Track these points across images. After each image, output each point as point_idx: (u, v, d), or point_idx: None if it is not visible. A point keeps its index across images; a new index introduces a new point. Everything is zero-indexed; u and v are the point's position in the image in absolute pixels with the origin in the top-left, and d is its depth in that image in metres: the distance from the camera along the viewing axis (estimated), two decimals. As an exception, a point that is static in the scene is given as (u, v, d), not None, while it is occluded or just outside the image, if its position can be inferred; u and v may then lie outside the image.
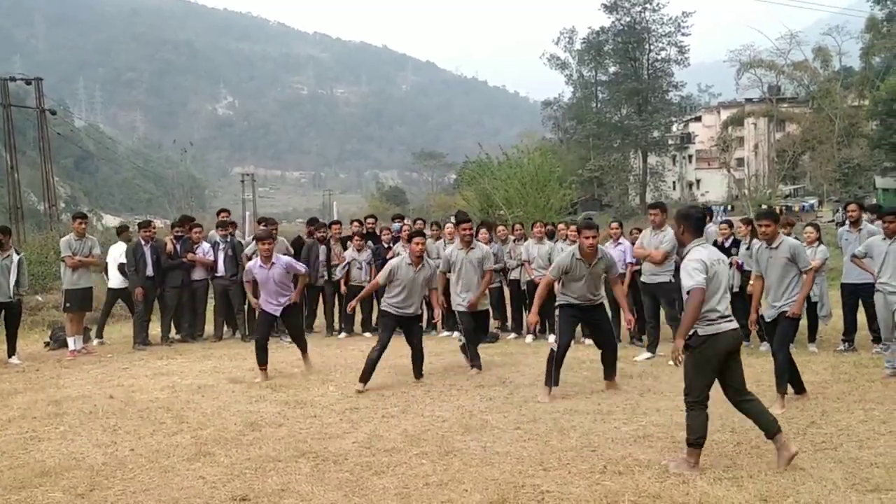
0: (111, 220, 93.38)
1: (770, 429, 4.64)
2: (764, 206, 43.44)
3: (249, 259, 10.52)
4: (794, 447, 4.64)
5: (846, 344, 8.83)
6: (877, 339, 8.63)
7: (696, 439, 4.63)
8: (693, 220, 4.90)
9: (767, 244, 6.37)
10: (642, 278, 8.81)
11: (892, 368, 7.21)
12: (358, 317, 11.55)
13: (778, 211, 43.46)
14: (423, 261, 7.69)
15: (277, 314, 8.21)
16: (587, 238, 6.83)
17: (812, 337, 9.13)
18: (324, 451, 5.28)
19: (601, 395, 6.84)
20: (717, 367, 4.67)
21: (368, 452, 5.21)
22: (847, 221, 9.06)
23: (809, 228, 9.06)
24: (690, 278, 4.61)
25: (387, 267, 7.78)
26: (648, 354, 8.59)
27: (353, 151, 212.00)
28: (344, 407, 6.60)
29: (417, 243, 7.68)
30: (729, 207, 52.32)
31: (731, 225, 9.92)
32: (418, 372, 7.78)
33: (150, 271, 10.46)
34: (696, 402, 4.66)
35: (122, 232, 12.04)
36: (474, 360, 8.03)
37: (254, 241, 10.53)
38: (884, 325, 7.39)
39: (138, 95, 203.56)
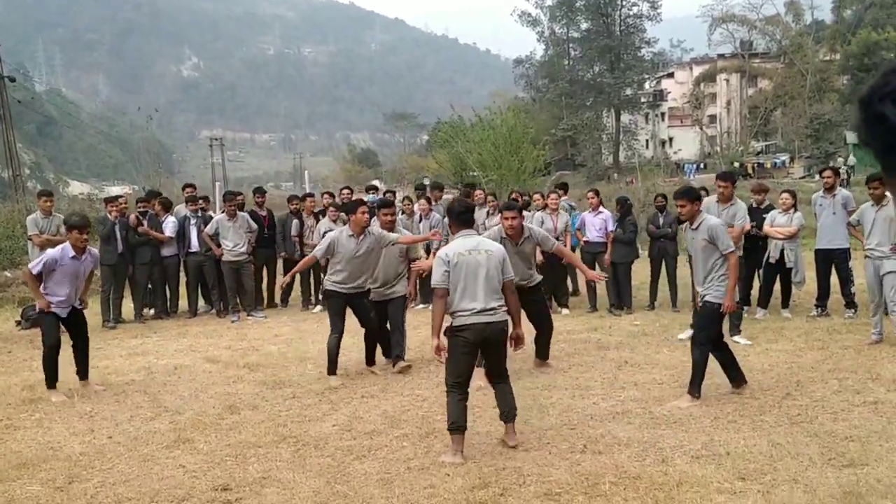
0: (78, 187, 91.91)
1: (509, 416, 4.88)
2: (736, 164, 43.93)
3: (211, 237, 10.41)
4: (514, 440, 4.83)
5: (819, 309, 8.94)
6: (849, 304, 8.75)
7: (452, 424, 4.69)
8: (454, 214, 5.11)
9: (689, 224, 5.98)
10: None
11: (877, 335, 7.26)
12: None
13: (749, 168, 44.01)
14: (366, 231, 6.84)
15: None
16: (506, 219, 6.48)
17: (786, 303, 9.21)
18: (304, 435, 5.26)
19: (579, 368, 6.89)
20: (469, 355, 4.80)
21: (349, 436, 5.21)
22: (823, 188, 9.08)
23: (785, 195, 9.00)
24: (433, 275, 4.84)
25: (325, 239, 7.09)
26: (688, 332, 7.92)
27: (322, 113, 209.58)
28: (322, 387, 6.59)
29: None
30: (702, 165, 52.70)
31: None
32: (386, 352, 7.27)
33: (120, 247, 10.26)
34: (450, 387, 4.78)
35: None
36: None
37: (217, 221, 10.39)
38: (870, 291, 7.43)
39: (100, 58, 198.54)
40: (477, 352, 4.90)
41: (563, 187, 12.12)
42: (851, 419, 5.08)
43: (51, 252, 6.65)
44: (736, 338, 7.52)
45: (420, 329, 8.41)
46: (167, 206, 11.16)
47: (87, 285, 6.95)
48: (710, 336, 5.74)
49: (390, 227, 7.19)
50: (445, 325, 4.84)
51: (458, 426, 4.69)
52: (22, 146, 50.61)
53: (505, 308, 4.87)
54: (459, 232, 5.05)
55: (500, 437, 4.97)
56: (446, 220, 10.38)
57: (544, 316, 6.98)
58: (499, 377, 4.99)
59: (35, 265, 6.63)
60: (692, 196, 5.94)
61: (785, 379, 6.20)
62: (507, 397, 4.92)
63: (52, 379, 6.60)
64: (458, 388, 4.77)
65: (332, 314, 6.94)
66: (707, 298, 5.75)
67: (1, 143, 29.20)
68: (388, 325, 7.28)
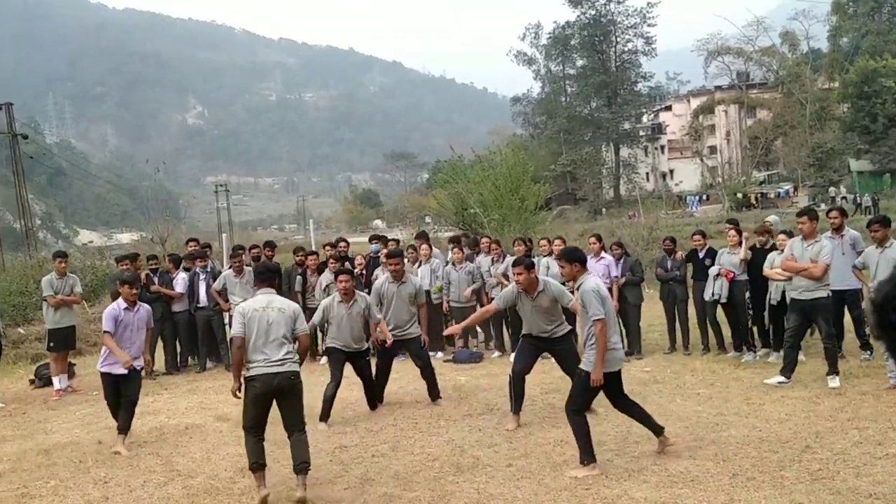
0: (87, 236, 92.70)
1: (300, 468, 5.29)
2: (739, 195, 43.93)
3: (219, 293, 10.47)
4: (303, 492, 5.18)
5: (833, 351, 8.80)
6: (864, 346, 8.53)
7: (253, 464, 5.25)
8: (257, 273, 5.84)
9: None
10: (793, 294, 7.70)
11: (895, 379, 7.11)
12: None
13: (753, 199, 43.84)
14: (355, 295, 7.53)
15: None
16: (516, 275, 6.55)
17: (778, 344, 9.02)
18: (317, 499, 5.23)
19: (591, 420, 6.80)
20: (260, 403, 5.35)
21: (361, 501, 5.17)
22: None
23: (782, 236, 8.79)
24: (233, 327, 5.56)
25: (319, 308, 7.76)
26: (782, 378, 7.64)
27: (324, 155, 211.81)
28: (333, 445, 6.55)
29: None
30: (704, 196, 52.76)
31: (703, 235, 9.91)
32: (378, 397, 7.88)
33: None
34: (247, 430, 5.37)
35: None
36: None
37: (225, 277, 10.45)
38: None
39: (108, 109, 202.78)
40: (268, 400, 5.37)
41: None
42: (874, 474, 4.94)
43: (109, 310, 7.06)
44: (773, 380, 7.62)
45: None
46: (177, 263, 11.26)
47: (147, 341, 7.34)
48: (582, 405, 5.60)
49: (399, 275, 7.90)
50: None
51: (258, 465, 5.25)
52: (33, 197, 51.36)
53: (295, 358, 5.40)
54: (260, 289, 5.65)
55: (513, 498, 4.92)
56: (446, 266, 10.62)
57: (572, 367, 6.63)
58: (294, 427, 5.41)
59: (106, 323, 6.93)
60: (571, 258, 5.76)
61: (803, 430, 6.04)
62: (301, 449, 5.35)
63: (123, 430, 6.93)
64: (252, 431, 5.35)
65: (332, 366, 7.55)
66: (581, 366, 5.59)
67: (13, 197, 29.93)
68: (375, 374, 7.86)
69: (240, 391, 5.45)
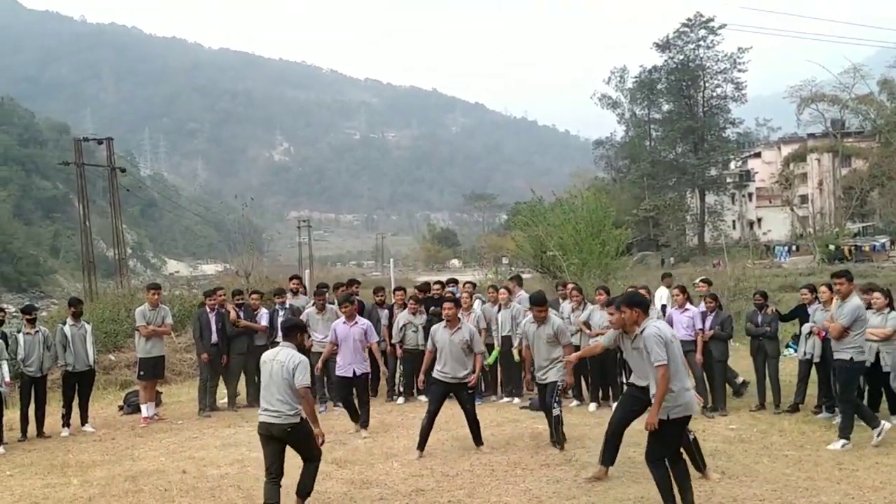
0: (174, 265, 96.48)
1: (300, 491, 5.90)
2: (831, 247, 42.19)
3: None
4: None
5: (931, 416, 8.37)
6: None
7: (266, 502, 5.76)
8: (282, 326, 6.51)
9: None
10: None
11: None
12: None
13: (847, 251, 42.15)
14: (459, 322, 7.84)
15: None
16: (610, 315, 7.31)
17: (894, 409, 8.62)
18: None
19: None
20: (265, 445, 5.86)
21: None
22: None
23: (878, 295, 8.52)
24: None
25: (431, 333, 8.12)
26: (844, 441, 7.57)
27: (404, 194, 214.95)
28: (409, 488, 6.56)
29: (448, 308, 7.96)
30: (794, 247, 50.96)
31: (812, 290, 9.59)
32: (477, 440, 7.86)
33: (214, 338, 10.66)
34: (265, 471, 5.87)
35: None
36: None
37: (307, 314, 10.68)
38: None
39: (199, 144, 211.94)
40: (271, 444, 5.84)
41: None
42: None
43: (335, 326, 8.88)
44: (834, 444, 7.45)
45: (504, 427, 8.35)
46: (261, 297, 11.62)
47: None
48: (660, 454, 5.47)
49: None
50: None
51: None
52: (126, 227, 53.80)
53: (292, 411, 5.74)
54: (283, 341, 6.10)
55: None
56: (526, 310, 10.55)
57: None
58: (305, 458, 5.95)
59: (332, 335, 8.92)
60: (631, 303, 5.77)
61: (897, 499, 5.78)
62: (307, 475, 5.91)
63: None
64: (267, 472, 5.84)
65: (430, 398, 8.03)
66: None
67: (108, 226, 31.40)
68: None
69: None
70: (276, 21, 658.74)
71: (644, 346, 5.46)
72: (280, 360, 5.82)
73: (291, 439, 5.83)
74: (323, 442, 5.98)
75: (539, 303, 7.85)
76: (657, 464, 5.42)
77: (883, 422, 7.64)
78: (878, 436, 7.47)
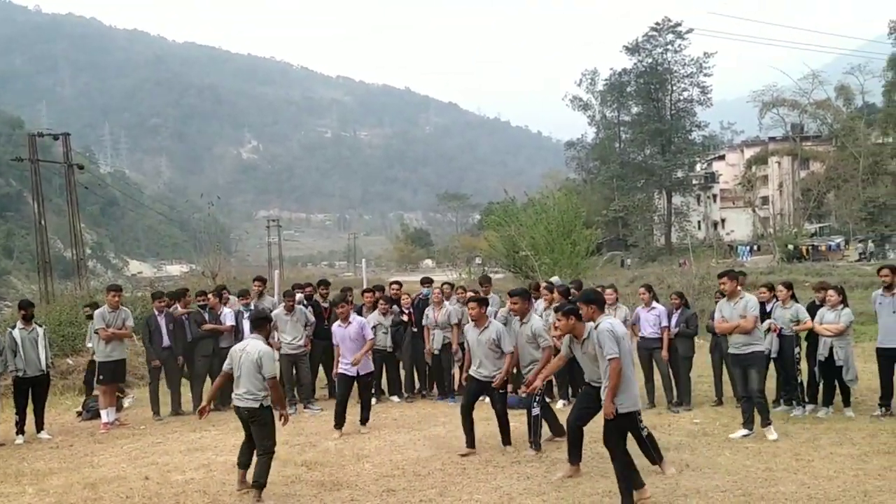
0: (137, 266, 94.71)
1: (254, 483, 6.29)
2: (790, 246, 43.21)
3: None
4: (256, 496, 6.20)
5: (883, 409, 8.67)
6: None
7: (237, 461, 6.68)
8: (251, 320, 6.90)
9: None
10: (731, 350, 8.25)
11: None
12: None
13: (804, 251, 43.18)
14: (487, 321, 7.74)
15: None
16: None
17: (846, 401, 8.97)
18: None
19: (640, 471, 6.68)
20: (243, 426, 6.54)
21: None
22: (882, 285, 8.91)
23: (831, 292, 8.87)
24: None
25: (464, 332, 8.37)
26: (746, 431, 7.96)
27: (377, 193, 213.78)
28: (381, 489, 6.54)
29: (472, 307, 7.85)
30: (755, 247, 51.98)
31: (770, 288, 9.78)
32: (505, 439, 7.79)
33: (166, 341, 10.49)
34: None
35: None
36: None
37: (276, 316, 10.57)
38: None
39: (163, 141, 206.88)
40: (245, 425, 6.48)
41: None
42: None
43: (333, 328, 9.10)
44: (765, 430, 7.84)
45: (476, 424, 8.38)
46: (220, 297, 11.38)
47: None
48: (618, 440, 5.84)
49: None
50: None
51: (240, 463, 6.61)
52: (85, 226, 52.63)
53: (251, 396, 6.29)
54: (252, 333, 6.69)
55: None
56: (500, 310, 10.58)
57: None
58: (258, 450, 6.36)
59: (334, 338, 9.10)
60: (587, 300, 6.10)
61: (852, 488, 5.99)
62: (260, 469, 6.27)
63: None
64: (245, 440, 6.57)
65: (463, 391, 8.32)
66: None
67: (66, 226, 30.32)
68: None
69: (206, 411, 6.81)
70: (245, 16, 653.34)
71: (597, 339, 5.79)
72: (248, 350, 6.38)
73: (254, 423, 6.37)
74: (285, 423, 6.54)
75: (512, 293, 8.01)
76: (613, 450, 5.74)
77: (748, 428, 7.99)
78: (744, 436, 7.86)
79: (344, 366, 8.96)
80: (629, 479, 5.67)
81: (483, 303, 7.97)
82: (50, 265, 27.42)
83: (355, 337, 8.90)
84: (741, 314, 7.96)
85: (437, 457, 7.57)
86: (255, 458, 6.37)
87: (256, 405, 6.32)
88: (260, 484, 6.25)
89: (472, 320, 7.84)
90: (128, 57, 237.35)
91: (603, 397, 5.77)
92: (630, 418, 5.83)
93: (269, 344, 6.78)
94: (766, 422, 7.87)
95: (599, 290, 9.03)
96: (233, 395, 6.51)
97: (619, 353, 5.67)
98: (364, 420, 9.03)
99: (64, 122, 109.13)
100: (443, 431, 8.71)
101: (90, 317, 10.93)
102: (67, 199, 29.45)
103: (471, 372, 7.85)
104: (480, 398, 7.90)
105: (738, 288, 8.11)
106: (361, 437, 8.67)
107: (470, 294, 11.01)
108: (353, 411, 9.05)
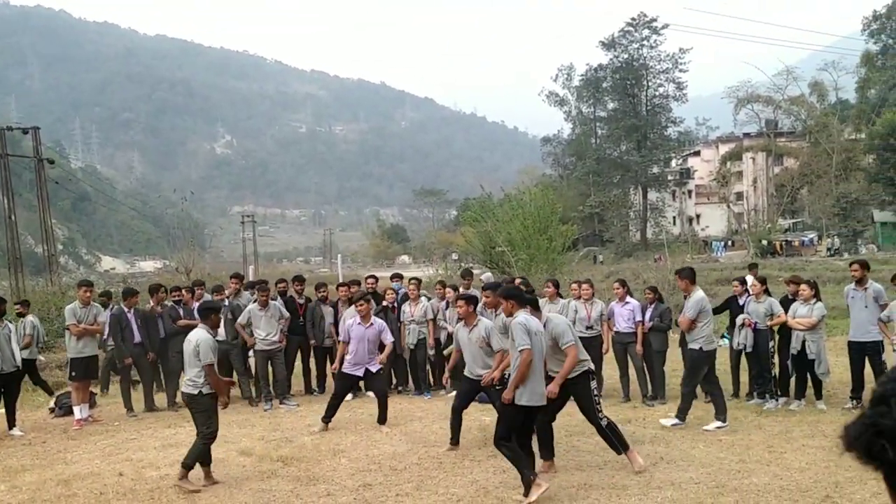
0: (110, 262, 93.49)
1: (183, 462, 6.57)
2: (764, 241, 43.75)
3: (244, 327, 10.51)
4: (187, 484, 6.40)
5: (854, 401, 8.82)
6: None
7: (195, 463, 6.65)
8: (199, 311, 6.94)
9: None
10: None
11: None
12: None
13: (778, 246, 43.81)
14: (476, 320, 7.58)
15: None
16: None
17: (818, 394, 9.13)
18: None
19: (614, 465, 6.75)
20: None
21: (385, 541, 5.14)
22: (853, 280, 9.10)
23: (804, 286, 9.02)
24: None
25: (455, 332, 8.46)
26: (719, 423, 8.07)
27: (352, 189, 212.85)
28: (357, 483, 6.53)
29: (460, 306, 7.74)
30: (730, 242, 52.53)
31: (743, 282, 9.90)
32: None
33: (137, 338, 10.37)
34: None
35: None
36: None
37: (250, 311, 10.51)
38: None
39: (135, 136, 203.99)
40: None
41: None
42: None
43: (349, 326, 8.94)
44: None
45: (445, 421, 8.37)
46: (193, 293, 11.31)
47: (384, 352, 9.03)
48: (507, 433, 6.03)
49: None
50: None
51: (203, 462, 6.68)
52: (56, 222, 51.81)
53: (192, 383, 6.60)
54: (200, 323, 6.88)
55: None
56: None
57: (587, 410, 6.62)
58: (197, 436, 6.64)
59: (344, 335, 9.05)
60: (506, 295, 6.32)
61: (823, 479, 6.09)
62: (193, 450, 6.59)
63: None
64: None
65: (458, 390, 8.16)
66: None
67: (36, 221, 29.88)
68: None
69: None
70: (217, 9, 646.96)
71: (511, 331, 6.04)
72: (189, 339, 6.72)
73: (190, 407, 6.75)
74: (225, 406, 6.83)
75: (485, 287, 8.12)
76: (502, 443, 5.95)
77: (721, 420, 8.10)
78: (718, 427, 7.98)
79: (350, 366, 8.83)
80: (523, 463, 5.87)
81: (472, 300, 7.72)
82: (21, 261, 26.97)
83: (374, 339, 8.82)
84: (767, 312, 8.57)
85: (413, 451, 7.58)
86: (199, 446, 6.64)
87: (195, 391, 6.60)
88: (186, 465, 6.52)
89: (461, 319, 7.76)
90: (98, 50, 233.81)
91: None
92: (528, 414, 6.03)
93: (215, 333, 7.04)
94: (681, 416, 8.19)
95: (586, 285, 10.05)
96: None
97: (530, 346, 5.86)
98: (382, 420, 8.79)
99: (33, 116, 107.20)
100: (419, 426, 8.73)
101: (21, 314, 10.88)
102: (38, 194, 28.98)
103: (465, 372, 7.75)
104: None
105: (693, 286, 8.20)
106: (338, 432, 8.65)
107: (450, 289, 11.11)
108: (352, 410, 9.07)
